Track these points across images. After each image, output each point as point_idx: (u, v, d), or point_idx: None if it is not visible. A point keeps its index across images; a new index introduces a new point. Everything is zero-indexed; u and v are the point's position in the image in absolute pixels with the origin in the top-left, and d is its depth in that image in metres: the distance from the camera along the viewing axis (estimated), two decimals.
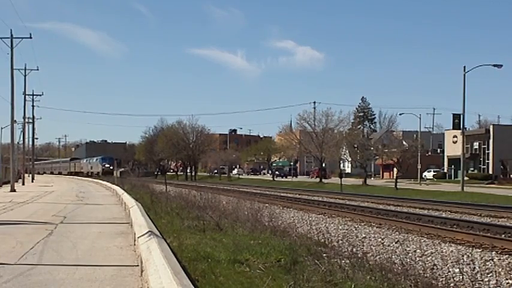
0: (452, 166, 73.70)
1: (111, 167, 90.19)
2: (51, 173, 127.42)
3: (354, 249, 11.67)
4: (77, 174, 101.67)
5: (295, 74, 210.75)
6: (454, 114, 50.04)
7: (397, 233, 16.54)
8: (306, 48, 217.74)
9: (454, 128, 52.18)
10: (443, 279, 9.99)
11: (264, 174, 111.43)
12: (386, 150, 61.60)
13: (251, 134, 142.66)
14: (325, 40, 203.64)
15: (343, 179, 51.13)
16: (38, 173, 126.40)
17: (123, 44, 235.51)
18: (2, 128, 60.29)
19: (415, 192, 44.57)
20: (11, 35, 38.24)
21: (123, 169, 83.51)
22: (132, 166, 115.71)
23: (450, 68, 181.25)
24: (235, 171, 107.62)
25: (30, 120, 70.61)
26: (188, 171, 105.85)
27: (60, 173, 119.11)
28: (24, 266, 7.54)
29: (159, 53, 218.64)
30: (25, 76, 54.40)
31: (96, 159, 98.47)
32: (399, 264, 9.74)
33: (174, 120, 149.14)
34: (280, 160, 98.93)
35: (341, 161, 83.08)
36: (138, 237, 8.52)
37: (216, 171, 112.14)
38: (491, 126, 71.79)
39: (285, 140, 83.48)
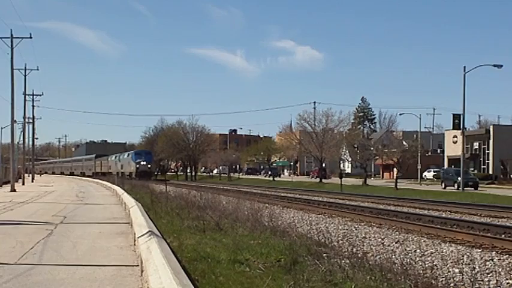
0: (452, 166, 73.62)
1: (149, 166, 74.93)
2: (71, 173, 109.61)
3: (354, 249, 11.66)
4: (103, 175, 75.36)
5: (295, 74, 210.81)
6: (454, 115, 50.09)
7: (397, 233, 16.52)
8: (306, 48, 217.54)
9: (454, 128, 52.21)
10: (443, 279, 9.98)
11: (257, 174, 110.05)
12: (386, 151, 61.56)
13: (251, 134, 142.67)
14: (325, 40, 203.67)
15: (343, 179, 51.11)
16: (53, 173, 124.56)
17: (123, 43, 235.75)
18: (2, 128, 60.51)
19: (415, 192, 44.55)
20: (11, 35, 38.27)
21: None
22: None
23: (450, 68, 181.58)
24: (215, 171, 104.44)
25: (30, 120, 70.69)
26: (188, 171, 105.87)
27: (83, 174, 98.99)
28: (24, 266, 7.54)
29: (159, 53, 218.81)
30: (25, 76, 54.44)
31: (128, 155, 78.74)
32: (399, 264, 9.73)
33: (174, 120, 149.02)
34: (280, 160, 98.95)
35: (341, 161, 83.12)
36: (138, 237, 8.53)
37: (205, 170, 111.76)
38: (491, 127, 71.78)
39: (285, 140, 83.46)
